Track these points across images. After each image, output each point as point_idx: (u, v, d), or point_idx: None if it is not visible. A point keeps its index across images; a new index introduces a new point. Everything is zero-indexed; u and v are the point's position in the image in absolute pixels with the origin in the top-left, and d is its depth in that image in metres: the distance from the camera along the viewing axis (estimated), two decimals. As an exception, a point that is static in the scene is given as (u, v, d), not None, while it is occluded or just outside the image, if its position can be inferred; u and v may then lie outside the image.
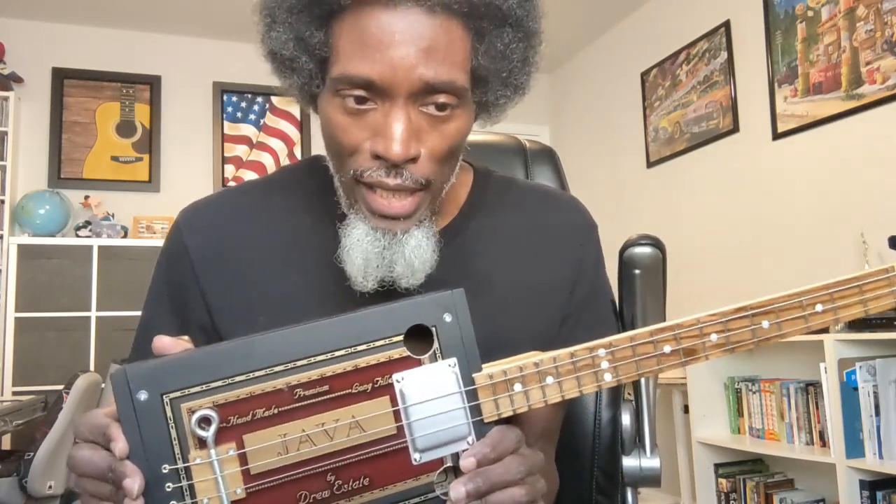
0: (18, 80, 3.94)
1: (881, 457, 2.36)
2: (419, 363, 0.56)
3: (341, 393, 0.54)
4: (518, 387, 0.57)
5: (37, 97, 4.03)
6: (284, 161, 4.44)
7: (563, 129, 4.93)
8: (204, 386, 0.52)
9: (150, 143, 4.21)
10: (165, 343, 0.55)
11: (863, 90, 2.78)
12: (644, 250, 1.00)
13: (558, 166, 1.19)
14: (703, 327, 0.58)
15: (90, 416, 0.55)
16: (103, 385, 2.67)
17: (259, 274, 0.74)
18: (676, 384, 3.30)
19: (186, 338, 0.57)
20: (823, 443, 2.64)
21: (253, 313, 0.73)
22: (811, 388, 2.72)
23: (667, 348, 0.58)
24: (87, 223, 3.89)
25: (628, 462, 1.00)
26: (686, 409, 3.20)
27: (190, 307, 0.75)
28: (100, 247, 3.69)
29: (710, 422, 3.08)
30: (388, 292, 0.69)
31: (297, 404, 0.53)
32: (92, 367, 3.50)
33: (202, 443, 0.52)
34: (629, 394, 1.06)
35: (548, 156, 1.19)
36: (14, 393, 3.40)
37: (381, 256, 0.67)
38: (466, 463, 0.54)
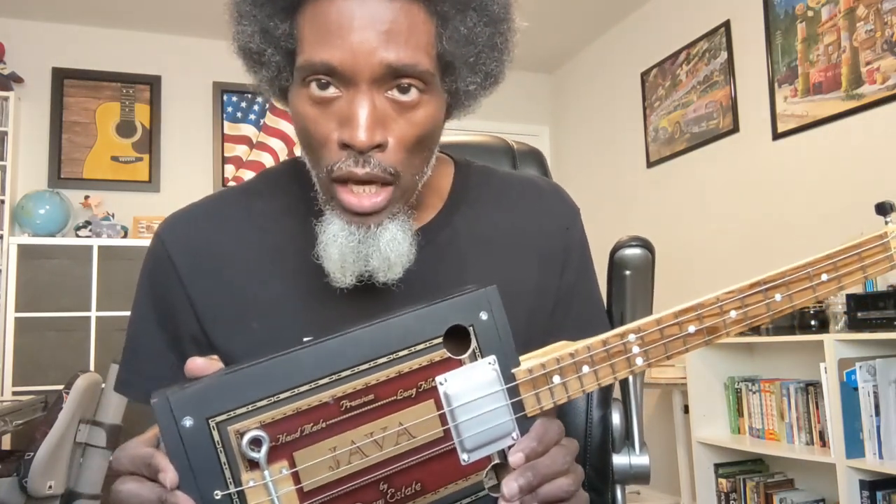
0: (18, 80, 3.94)
1: (881, 457, 2.36)
2: (459, 364, 0.56)
3: (387, 400, 0.54)
4: (556, 379, 0.57)
5: (37, 97, 4.03)
6: (284, 161, 4.45)
7: (563, 129, 4.93)
8: (250, 406, 0.51)
9: (150, 143, 4.21)
10: (199, 364, 0.53)
11: (863, 90, 2.78)
12: (634, 252, 1.03)
13: (546, 167, 1.21)
14: (723, 305, 0.60)
15: (130, 447, 0.53)
16: (103, 385, 2.67)
17: (247, 280, 0.73)
18: (676, 384, 3.30)
19: (216, 357, 0.55)
20: (823, 443, 2.64)
21: (246, 319, 0.72)
22: (811, 388, 2.72)
23: (691, 328, 0.60)
24: (87, 223, 3.89)
25: (618, 459, 1.02)
26: (686, 409, 3.20)
27: (179, 319, 0.74)
28: (100, 247, 3.69)
29: (710, 422, 3.08)
30: (371, 289, 0.69)
31: (344, 416, 0.53)
32: (92, 367, 3.50)
33: (253, 464, 0.51)
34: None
35: (535, 157, 1.21)
36: (14, 393, 3.40)
37: (356, 251, 0.66)
38: (515, 458, 0.55)
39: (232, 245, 0.75)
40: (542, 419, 0.57)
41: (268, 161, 4.42)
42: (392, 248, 0.66)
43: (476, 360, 0.56)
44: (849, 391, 2.42)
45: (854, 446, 2.41)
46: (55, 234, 3.80)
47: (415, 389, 0.54)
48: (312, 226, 0.70)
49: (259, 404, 0.51)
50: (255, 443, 0.50)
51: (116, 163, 4.15)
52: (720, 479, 3.04)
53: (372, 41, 0.61)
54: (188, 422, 0.49)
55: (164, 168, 4.22)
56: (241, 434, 0.50)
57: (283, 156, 4.45)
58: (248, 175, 4.35)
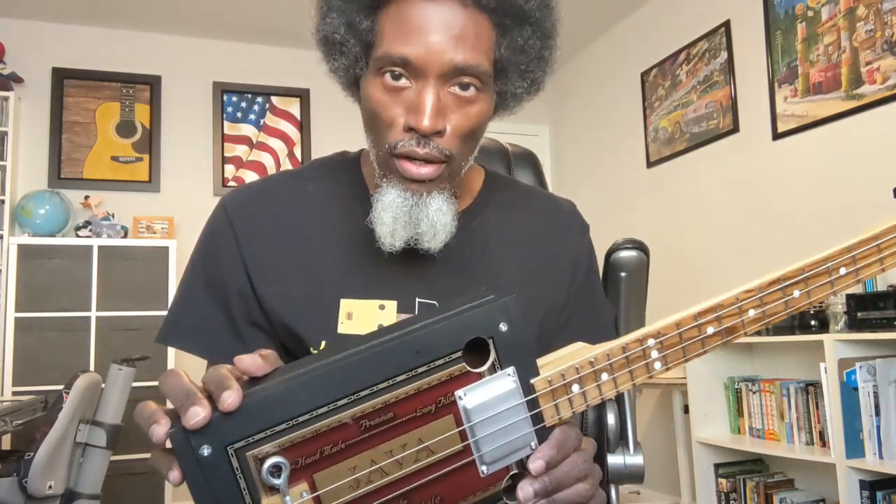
0: (18, 80, 3.94)
1: (881, 457, 2.36)
2: (479, 377, 0.55)
3: (406, 418, 0.53)
4: (576, 388, 0.56)
5: (37, 97, 4.03)
6: (284, 161, 4.45)
7: (563, 129, 4.93)
8: (268, 431, 0.50)
9: (150, 143, 4.21)
10: (246, 363, 0.52)
11: (863, 90, 2.78)
12: (630, 254, 1.04)
13: (539, 169, 1.22)
14: (742, 305, 0.59)
15: (156, 456, 0.52)
16: (103, 385, 2.67)
17: (298, 245, 0.82)
18: (676, 384, 3.30)
19: (265, 351, 0.54)
20: (823, 443, 2.64)
21: (292, 280, 0.81)
22: (811, 388, 2.72)
23: (710, 329, 0.59)
24: (87, 223, 3.89)
25: (613, 460, 1.02)
26: (686, 409, 3.20)
27: (227, 276, 0.82)
28: (100, 247, 3.69)
29: (710, 422, 3.09)
30: (413, 255, 0.78)
31: (363, 436, 0.52)
32: (92, 367, 3.50)
33: (273, 489, 0.50)
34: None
35: (529, 160, 1.22)
36: (14, 393, 3.40)
37: (408, 214, 0.75)
38: (536, 465, 0.56)
39: (286, 217, 0.84)
40: (562, 426, 0.58)
41: (268, 161, 4.42)
42: (438, 218, 0.76)
43: (495, 372, 0.55)
44: (849, 391, 2.42)
45: (854, 446, 2.41)
46: (55, 234, 3.80)
47: (434, 405, 0.54)
48: (358, 209, 0.82)
49: (278, 429, 0.50)
50: (276, 468, 0.50)
51: (116, 163, 4.15)
52: (720, 479, 3.04)
53: (444, 43, 0.71)
54: (206, 451, 0.48)
55: (164, 168, 4.23)
56: (260, 460, 0.50)
57: (283, 156, 4.45)
58: (248, 175, 4.35)
